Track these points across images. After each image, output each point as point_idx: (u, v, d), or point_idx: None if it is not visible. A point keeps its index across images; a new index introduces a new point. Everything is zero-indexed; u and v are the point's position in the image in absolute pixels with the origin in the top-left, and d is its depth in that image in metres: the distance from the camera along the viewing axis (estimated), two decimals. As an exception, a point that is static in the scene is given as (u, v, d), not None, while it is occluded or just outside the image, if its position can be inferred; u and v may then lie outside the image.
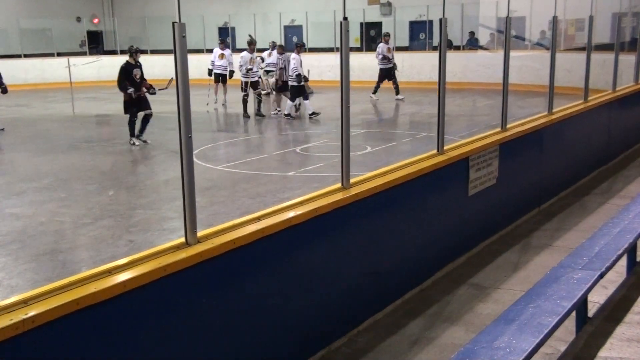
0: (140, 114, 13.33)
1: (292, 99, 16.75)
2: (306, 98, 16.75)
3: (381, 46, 20.20)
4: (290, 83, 16.66)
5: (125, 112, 13.40)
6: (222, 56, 19.49)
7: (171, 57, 3.52)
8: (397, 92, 19.99)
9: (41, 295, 3.05)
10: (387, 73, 20.12)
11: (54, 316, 2.96)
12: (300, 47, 17.19)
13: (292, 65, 16.57)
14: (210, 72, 19.62)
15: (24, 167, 11.77)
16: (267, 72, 22.54)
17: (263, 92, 22.47)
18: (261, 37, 26.95)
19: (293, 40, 29.31)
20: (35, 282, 6.15)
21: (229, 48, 20.29)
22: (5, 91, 15.71)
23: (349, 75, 4.78)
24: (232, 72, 19.73)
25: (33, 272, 6.52)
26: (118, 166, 11.80)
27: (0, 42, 28.02)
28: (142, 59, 28.78)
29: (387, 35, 20.83)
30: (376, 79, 20.17)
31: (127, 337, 3.35)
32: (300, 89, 16.56)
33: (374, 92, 20.00)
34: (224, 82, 19.60)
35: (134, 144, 13.20)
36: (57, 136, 15.27)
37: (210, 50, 27.57)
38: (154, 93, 13.28)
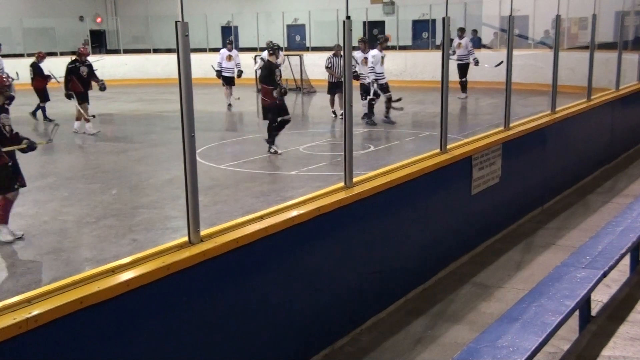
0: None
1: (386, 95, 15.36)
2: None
3: (455, 41, 19.47)
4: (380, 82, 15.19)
5: (265, 117, 12.02)
6: (229, 58, 19.05)
7: (174, 57, 3.53)
8: (464, 90, 19.17)
9: (44, 294, 3.05)
10: (461, 69, 19.19)
11: (57, 315, 2.96)
12: (384, 42, 15.97)
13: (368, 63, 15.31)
14: (219, 75, 19.08)
15: (27, 166, 11.74)
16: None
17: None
18: (264, 36, 26.96)
19: (296, 40, 29.38)
20: (38, 281, 6.16)
21: (235, 49, 19.96)
22: (103, 88, 15.37)
23: (352, 74, 4.79)
24: (240, 72, 19.43)
25: (36, 271, 6.53)
26: (121, 165, 11.81)
27: (4, 41, 27.90)
28: (144, 58, 28.94)
29: (460, 30, 19.77)
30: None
31: (130, 336, 3.35)
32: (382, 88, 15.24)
33: (463, 90, 19.19)
34: (232, 83, 19.22)
35: (275, 152, 11.78)
36: (59, 135, 15.25)
37: (214, 50, 27.62)
38: (286, 93, 12.08)
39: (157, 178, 10.41)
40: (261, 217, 4.22)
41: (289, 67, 23.15)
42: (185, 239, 3.72)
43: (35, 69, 16.96)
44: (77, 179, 10.56)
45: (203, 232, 3.80)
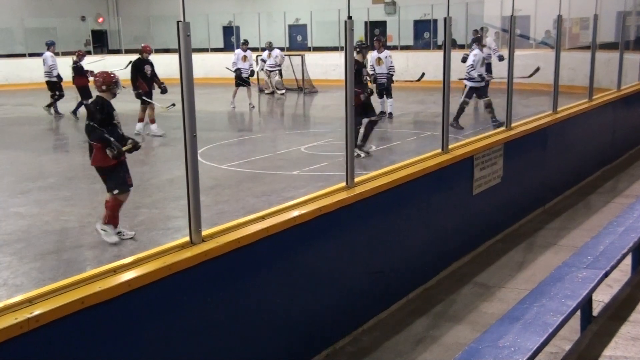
0: (364, 121, 11.36)
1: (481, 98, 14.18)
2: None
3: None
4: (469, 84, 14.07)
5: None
6: (245, 58, 18.67)
7: (176, 56, 3.53)
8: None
9: (46, 294, 3.06)
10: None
11: (58, 315, 2.96)
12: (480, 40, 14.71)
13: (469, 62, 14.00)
14: (239, 75, 18.64)
15: (28, 166, 11.79)
16: (270, 72, 22.46)
17: (267, 92, 22.51)
18: (265, 36, 26.99)
19: (297, 40, 29.37)
20: (40, 281, 6.16)
21: (250, 49, 19.47)
22: (164, 91, 14.31)
23: (354, 75, 4.79)
24: (252, 72, 19.27)
25: (38, 271, 6.53)
26: (122, 165, 11.80)
27: (5, 41, 28.06)
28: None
29: (481, 29, 19.41)
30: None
31: (132, 336, 3.35)
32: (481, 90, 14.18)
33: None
34: (248, 83, 18.91)
35: (358, 155, 10.93)
36: (61, 135, 15.30)
37: (216, 50, 27.63)
38: (372, 94, 11.51)
39: (158, 178, 10.41)
40: (263, 217, 4.22)
41: (290, 67, 23.19)
42: (187, 239, 3.72)
43: (74, 68, 17.27)
44: (79, 178, 10.56)
45: (204, 232, 3.80)
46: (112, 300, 3.19)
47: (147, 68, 14.40)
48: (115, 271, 3.34)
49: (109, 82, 7.19)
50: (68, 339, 3.05)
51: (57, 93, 17.90)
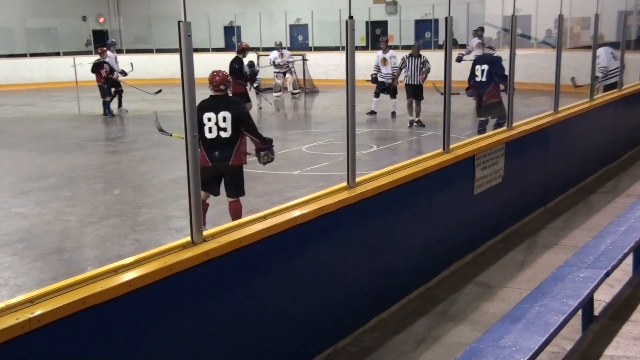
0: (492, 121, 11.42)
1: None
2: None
3: (473, 41, 19.49)
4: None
5: (481, 115, 11.56)
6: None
7: (176, 56, 3.53)
8: None
9: (47, 294, 3.06)
10: None
11: (59, 315, 2.96)
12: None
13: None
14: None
15: (29, 167, 11.80)
16: (284, 73, 22.28)
17: (276, 93, 22.35)
18: (267, 36, 26.99)
19: (298, 40, 29.35)
20: (41, 281, 6.16)
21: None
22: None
23: (355, 74, 4.78)
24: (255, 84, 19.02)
25: (39, 271, 6.54)
26: (124, 165, 11.81)
27: (6, 41, 28.05)
28: (147, 57, 28.89)
29: (480, 29, 18.88)
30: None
31: (133, 336, 3.35)
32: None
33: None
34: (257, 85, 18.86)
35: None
36: (62, 135, 15.30)
37: (217, 50, 27.58)
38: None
39: (159, 178, 10.41)
40: (264, 217, 4.22)
41: (292, 67, 23.15)
42: (188, 238, 3.72)
43: (99, 64, 17.71)
44: (80, 179, 10.57)
45: (206, 232, 3.80)
46: (113, 300, 3.19)
47: (246, 68, 13.84)
48: (116, 271, 3.34)
49: (228, 80, 7.13)
50: (69, 339, 3.05)
51: (115, 90, 18.15)
